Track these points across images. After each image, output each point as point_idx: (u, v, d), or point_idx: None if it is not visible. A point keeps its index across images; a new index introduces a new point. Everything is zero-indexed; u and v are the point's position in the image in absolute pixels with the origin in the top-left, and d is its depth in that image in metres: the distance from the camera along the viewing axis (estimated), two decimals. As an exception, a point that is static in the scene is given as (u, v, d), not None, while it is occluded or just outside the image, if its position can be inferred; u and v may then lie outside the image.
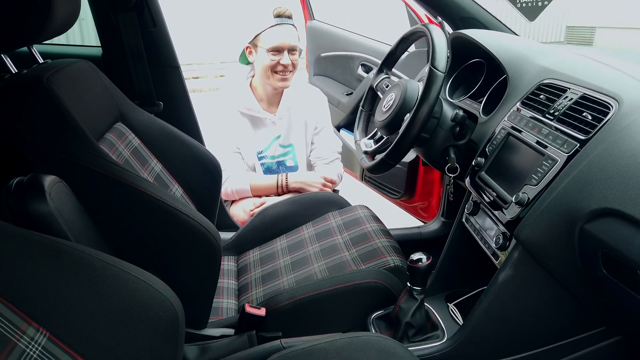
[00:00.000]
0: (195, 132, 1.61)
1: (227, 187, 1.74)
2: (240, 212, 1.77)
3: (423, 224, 1.89)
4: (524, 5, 0.91)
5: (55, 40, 1.16)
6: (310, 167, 1.94)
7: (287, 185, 1.73)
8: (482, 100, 1.22)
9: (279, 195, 1.75)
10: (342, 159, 1.94)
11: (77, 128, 0.95)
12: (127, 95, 1.28)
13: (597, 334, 0.93)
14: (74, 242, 0.76)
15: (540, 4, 0.90)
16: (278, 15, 1.60)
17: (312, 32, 2.44)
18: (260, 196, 1.77)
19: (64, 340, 0.66)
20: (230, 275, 1.41)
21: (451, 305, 1.10)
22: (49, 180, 0.84)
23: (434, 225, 1.79)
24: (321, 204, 1.56)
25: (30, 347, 0.62)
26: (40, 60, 1.10)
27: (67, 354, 0.66)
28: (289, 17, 1.62)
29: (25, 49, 1.05)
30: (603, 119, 0.80)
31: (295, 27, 1.65)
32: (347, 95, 2.26)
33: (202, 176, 1.37)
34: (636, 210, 0.67)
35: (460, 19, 1.43)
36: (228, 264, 1.46)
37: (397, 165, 1.94)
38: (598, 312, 0.88)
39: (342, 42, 2.27)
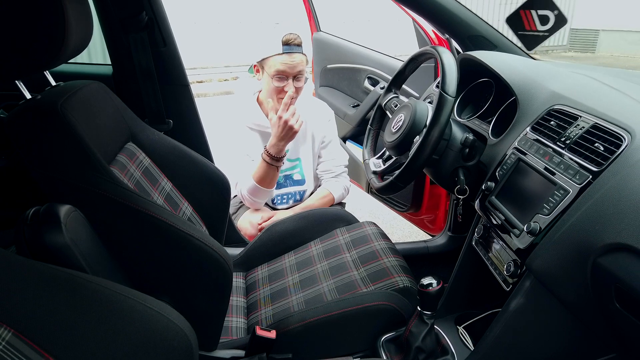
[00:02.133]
0: (204, 150, 1.62)
1: (240, 191, 1.74)
2: (248, 226, 1.78)
3: (430, 237, 1.89)
4: (523, 34, 0.91)
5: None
6: (317, 180, 1.94)
7: (268, 153, 1.65)
8: (492, 121, 1.22)
9: (276, 165, 1.69)
10: (349, 171, 1.94)
11: (90, 154, 0.96)
12: (138, 113, 1.28)
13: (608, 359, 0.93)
14: (89, 275, 0.77)
15: (542, 36, 0.90)
16: (287, 43, 1.60)
17: (319, 43, 2.44)
18: (265, 185, 1.71)
19: None
20: (239, 292, 1.42)
21: (461, 329, 1.11)
22: (64, 210, 0.84)
23: (440, 239, 1.79)
24: (329, 220, 1.57)
25: None
26: (53, 83, 1.11)
27: None
28: (298, 45, 1.60)
29: None
30: (615, 151, 0.80)
31: (303, 54, 1.63)
32: (353, 107, 2.26)
33: (212, 194, 1.38)
34: (650, 247, 0.67)
35: (469, 37, 1.43)
36: (237, 280, 1.47)
37: (404, 179, 1.95)
38: (609, 339, 0.89)
39: (348, 54, 2.27)
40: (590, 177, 0.81)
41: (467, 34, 1.43)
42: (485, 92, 1.34)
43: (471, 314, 1.14)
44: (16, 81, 1.00)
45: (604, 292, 0.75)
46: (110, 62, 1.47)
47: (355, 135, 2.28)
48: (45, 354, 0.64)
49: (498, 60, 1.20)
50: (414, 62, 1.29)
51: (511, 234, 0.94)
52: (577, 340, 0.91)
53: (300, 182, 1.89)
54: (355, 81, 2.23)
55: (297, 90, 1.64)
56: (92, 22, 1.07)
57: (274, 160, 1.66)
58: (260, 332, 1.08)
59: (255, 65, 1.69)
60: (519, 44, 1.41)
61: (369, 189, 2.20)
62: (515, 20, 0.93)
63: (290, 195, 1.89)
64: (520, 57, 1.28)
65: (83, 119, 1.00)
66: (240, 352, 1.12)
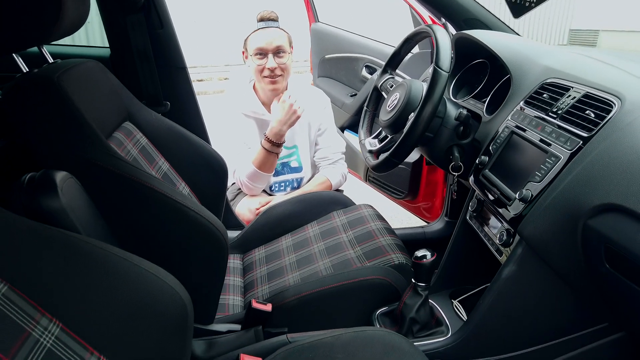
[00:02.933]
0: (201, 132, 1.63)
1: (239, 178, 1.75)
2: (246, 212, 1.79)
3: (427, 224, 1.90)
4: (513, 2, 0.93)
5: (62, 41, 1.17)
6: (314, 168, 1.95)
7: (268, 139, 1.67)
8: (486, 100, 1.23)
9: (275, 151, 1.71)
10: (346, 160, 1.95)
11: (87, 126, 0.97)
12: (135, 95, 1.29)
13: (600, 330, 0.94)
14: (85, 237, 0.78)
15: (527, 4, 0.91)
16: (262, 19, 1.62)
17: (317, 34, 2.46)
18: (265, 170, 1.73)
19: (75, 331, 0.67)
20: (237, 272, 1.43)
21: (455, 302, 1.11)
22: (60, 176, 0.85)
23: (437, 225, 1.80)
24: (326, 203, 1.57)
25: (44, 336, 0.64)
26: (50, 60, 1.12)
27: (79, 344, 0.67)
28: (274, 19, 1.63)
29: (35, 49, 1.07)
30: (606, 117, 0.81)
31: (281, 29, 1.65)
32: (351, 96, 2.27)
33: (208, 174, 1.39)
34: (639, 205, 0.68)
35: (464, 20, 1.44)
36: (234, 261, 1.48)
37: (401, 166, 1.96)
38: (601, 308, 0.89)
39: (346, 44, 2.28)
40: (581, 142, 0.82)
41: (462, 17, 1.44)
42: (480, 74, 1.35)
43: (466, 289, 1.15)
44: (13, 54, 1.01)
45: (594, 254, 0.76)
46: (107, 45, 1.48)
47: (353, 125, 2.29)
48: (39, 308, 0.65)
49: (493, 38, 1.21)
50: (409, 42, 1.30)
51: (507, 207, 0.94)
52: (569, 308, 0.91)
53: (298, 170, 1.90)
54: (353, 70, 2.24)
55: (281, 67, 1.66)
56: (89, 1, 1.08)
57: (274, 146, 1.68)
58: (256, 305, 1.09)
59: (243, 52, 1.71)
60: (511, 25, 1.42)
61: (367, 177, 2.21)
62: None
63: (287, 183, 1.90)
64: (515, 36, 1.30)
65: (79, 92, 1.01)
66: (237, 326, 1.13)
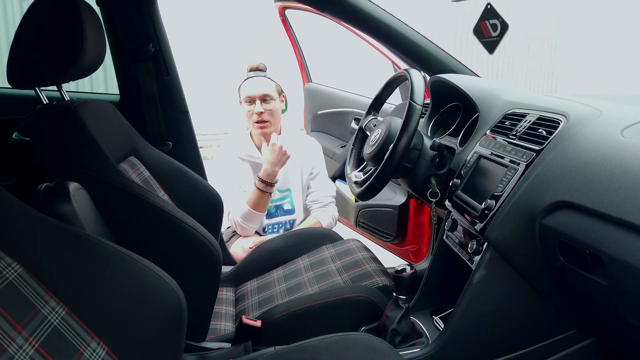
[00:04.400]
0: (200, 170, 1.74)
1: (233, 218, 1.84)
2: (240, 250, 1.86)
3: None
4: (485, 41, 1.09)
5: (73, 89, 1.31)
6: (306, 211, 2.05)
7: (261, 180, 1.77)
8: (459, 135, 1.36)
9: (269, 191, 1.81)
10: (337, 209, 2.05)
11: (98, 148, 1.08)
12: (141, 135, 1.42)
13: (570, 336, 1.00)
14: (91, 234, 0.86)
15: (496, 39, 1.08)
16: (251, 70, 1.81)
17: (310, 92, 2.65)
18: (259, 210, 1.82)
19: (79, 316, 0.75)
20: (229, 303, 1.48)
21: (436, 318, 1.17)
22: (73, 185, 0.95)
23: (424, 264, 1.86)
24: (316, 238, 1.65)
25: (52, 315, 0.71)
26: (67, 98, 1.26)
27: (82, 328, 0.74)
28: (262, 69, 1.81)
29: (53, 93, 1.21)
30: (554, 132, 0.93)
31: (269, 78, 1.82)
32: (341, 147, 2.42)
33: (206, 209, 1.48)
34: (582, 199, 0.78)
35: (440, 70, 1.61)
36: (226, 293, 1.53)
37: (388, 209, 2.06)
38: (567, 312, 0.96)
39: (336, 100, 2.46)
40: (535, 154, 0.93)
41: (438, 68, 1.61)
42: (454, 115, 1.49)
43: (447, 308, 1.21)
44: (35, 88, 1.14)
45: (550, 249, 0.85)
46: (114, 93, 1.63)
47: (344, 174, 2.41)
48: (49, 291, 0.72)
49: (462, 79, 1.36)
50: (389, 86, 1.46)
51: (474, 219, 1.04)
52: (538, 312, 0.98)
53: (290, 212, 2.00)
54: (343, 124, 2.40)
55: (268, 112, 1.80)
56: (105, 46, 1.23)
57: (267, 185, 1.79)
58: (246, 320, 1.14)
59: (240, 101, 1.88)
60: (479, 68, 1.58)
61: (357, 223, 2.29)
62: (478, 31, 1.13)
63: (280, 225, 1.99)
64: (482, 79, 1.45)
65: (93, 121, 1.13)
66: (227, 345, 1.17)
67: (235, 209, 1.84)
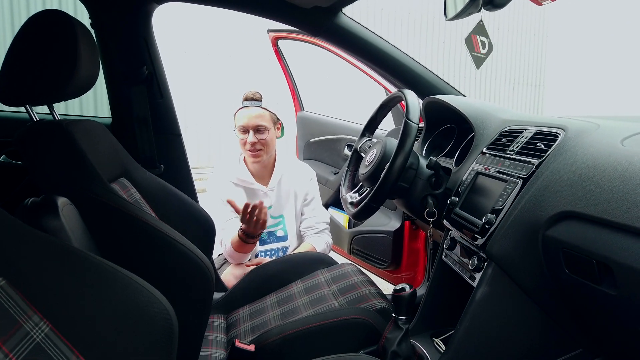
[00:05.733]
0: (192, 194, 1.71)
1: (225, 247, 1.79)
2: (231, 278, 1.81)
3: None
4: (474, 55, 1.12)
5: (62, 111, 1.30)
6: (300, 238, 2.01)
7: (244, 232, 1.68)
8: (455, 157, 1.35)
9: (251, 242, 1.73)
10: (331, 236, 2.02)
11: (89, 165, 1.05)
12: (132, 157, 1.39)
13: (576, 356, 0.96)
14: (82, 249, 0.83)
15: (484, 57, 1.11)
16: (246, 99, 1.81)
17: (302, 121, 2.66)
18: (243, 252, 1.77)
19: (63, 332, 0.70)
20: (220, 330, 1.42)
21: (437, 340, 1.13)
22: (61, 200, 0.92)
23: (420, 290, 1.83)
24: (310, 263, 1.62)
25: (35, 331, 0.67)
26: (58, 117, 1.24)
27: (66, 346, 0.70)
28: (257, 99, 1.81)
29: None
30: (553, 144, 0.93)
31: (264, 108, 1.81)
32: (334, 174, 2.40)
33: (197, 230, 1.45)
34: (586, 208, 0.76)
35: (431, 93, 1.63)
36: (217, 320, 1.47)
37: (383, 235, 2.04)
38: (572, 330, 0.93)
39: (328, 127, 2.47)
40: (534, 167, 0.93)
41: (429, 90, 1.63)
42: (449, 137, 1.49)
43: (447, 330, 1.17)
44: (26, 106, 1.12)
45: (554, 261, 0.82)
46: (104, 116, 1.61)
47: (337, 201, 2.39)
48: (32, 306, 0.68)
49: (456, 100, 1.37)
50: (384, 108, 1.46)
51: (474, 234, 1.02)
52: (542, 330, 0.95)
53: (283, 239, 1.96)
54: (336, 150, 2.40)
55: (261, 142, 1.79)
56: (99, 65, 1.22)
57: (249, 237, 1.68)
58: (239, 344, 1.09)
59: (234, 127, 1.87)
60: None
61: (351, 251, 2.26)
62: (470, 42, 1.15)
63: (273, 252, 1.95)
64: (476, 99, 1.46)
65: (84, 139, 1.11)
66: (219, 372, 1.12)
67: (227, 239, 1.81)
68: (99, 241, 1.00)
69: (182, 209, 1.44)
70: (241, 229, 1.69)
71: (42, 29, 1.06)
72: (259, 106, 1.80)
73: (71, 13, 1.09)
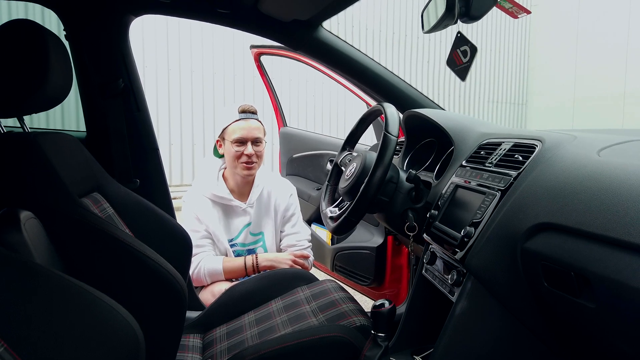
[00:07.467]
0: (169, 209, 1.67)
1: (201, 269, 1.75)
2: (210, 296, 1.76)
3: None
4: (457, 69, 1.11)
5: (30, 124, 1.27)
6: (280, 254, 1.97)
7: (257, 264, 1.76)
8: (435, 170, 1.34)
9: (249, 276, 1.77)
10: (313, 253, 1.99)
11: (57, 179, 1.01)
12: (107, 171, 1.36)
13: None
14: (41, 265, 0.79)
15: (467, 65, 1.10)
16: (243, 111, 1.79)
17: (285, 136, 2.64)
18: (231, 279, 1.78)
19: (20, 353, 0.66)
20: (195, 350, 1.37)
21: (417, 357, 1.10)
22: (24, 214, 0.88)
23: (403, 307, 1.79)
24: (290, 279, 1.58)
25: None
26: (28, 130, 1.20)
27: None
28: (254, 112, 1.80)
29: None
30: (530, 156, 0.92)
31: (259, 121, 1.81)
32: (317, 190, 2.38)
33: (173, 247, 1.41)
34: (563, 219, 0.75)
35: (411, 107, 1.62)
36: (193, 340, 1.43)
37: (365, 251, 2.01)
38: (553, 345, 0.91)
39: (311, 143, 2.46)
40: (512, 179, 0.91)
41: (409, 104, 1.62)
42: (429, 151, 1.48)
43: (428, 347, 1.14)
44: None
45: (533, 274, 0.81)
46: (76, 129, 1.58)
47: (320, 217, 2.36)
48: None
49: (436, 114, 1.36)
50: (364, 122, 1.45)
51: (454, 248, 1.00)
52: (523, 346, 0.92)
53: (263, 257, 1.92)
54: (319, 166, 2.38)
55: (257, 154, 1.79)
56: (72, 78, 1.19)
57: (255, 268, 1.78)
58: (212, 364, 1.05)
59: (218, 141, 1.84)
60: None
61: (333, 267, 2.22)
62: (451, 61, 1.15)
63: (253, 269, 1.91)
64: (456, 113, 1.46)
65: (54, 153, 1.07)
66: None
67: (208, 261, 1.77)
68: (66, 257, 0.96)
69: (158, 224, 1.40)
70: (256, 256, 1.79)
71: (11, 39, 1.03)
72: (256, 119, 1.80)
73: (46, 25, 1.06)
